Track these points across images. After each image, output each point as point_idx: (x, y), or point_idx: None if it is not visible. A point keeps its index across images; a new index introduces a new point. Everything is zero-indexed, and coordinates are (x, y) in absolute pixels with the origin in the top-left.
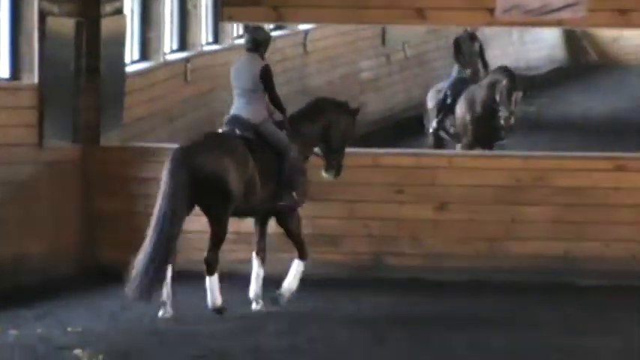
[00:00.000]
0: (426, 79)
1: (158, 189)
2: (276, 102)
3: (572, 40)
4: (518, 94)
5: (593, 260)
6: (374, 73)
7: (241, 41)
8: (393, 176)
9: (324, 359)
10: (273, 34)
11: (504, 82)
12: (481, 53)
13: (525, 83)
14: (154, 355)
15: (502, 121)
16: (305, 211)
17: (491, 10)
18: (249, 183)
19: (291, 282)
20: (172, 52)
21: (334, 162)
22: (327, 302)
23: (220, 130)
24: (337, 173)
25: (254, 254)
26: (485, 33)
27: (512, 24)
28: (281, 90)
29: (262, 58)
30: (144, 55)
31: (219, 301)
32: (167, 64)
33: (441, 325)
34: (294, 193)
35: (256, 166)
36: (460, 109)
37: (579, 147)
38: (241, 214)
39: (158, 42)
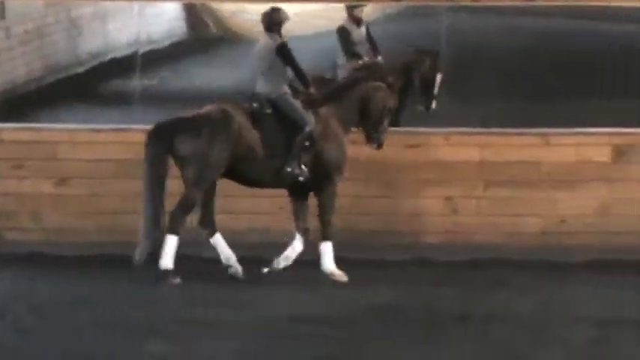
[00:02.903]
0: (46, 52)
1: None
2: (299, 76)
3: (193, 13)
4: (440, 77)
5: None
6: None
7: None
8: (13, 151)
9: None
10: None
11: (428, 66)
12: (370, 38)
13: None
14: None
15: (423, 109)
16: None
17: None
18: (247, 155)
19: (327, 263)
20: None
21: (374, 134)
22: None
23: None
24: (378, 145)
25: (296, 231)
26: (106, 6)
27: None
28: None
29: (280, 35)
30: None
31: (167, 264)
32: None
33: (64, 299)
34: (302, 166)
35: (261, 138)
36: None
37: None
38: (250, 183)
39: None
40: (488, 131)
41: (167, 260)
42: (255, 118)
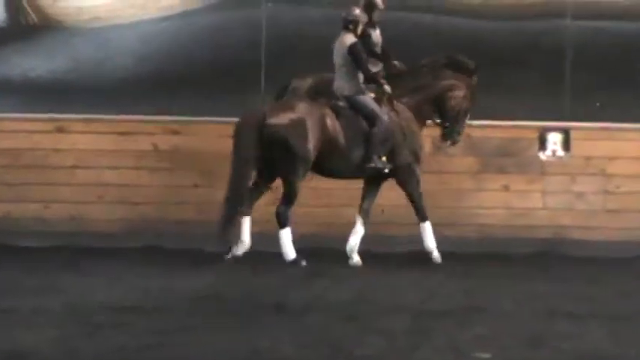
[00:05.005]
0: None
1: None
2: (366, 76)
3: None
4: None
5: (34, 221)
6: None
7: None
8: None
9: None
10: None
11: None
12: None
13: None
14: None
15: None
16: None
17: None
18: (330, 146)
19: (429, 242)
20: None
21: (449, 130)
22: None
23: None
24: (452, 142)
25: (357, 214)
26: None
27: None
28: None
29: (355, 35)
30: None
31: (290, 254)
32: None
33: None
34: (383, 158)
35: (343, 131)
36: None
37: (19, 108)
38: (331, 174)
39: None
40: None
41: (290, 252)
42: (335, 112)
